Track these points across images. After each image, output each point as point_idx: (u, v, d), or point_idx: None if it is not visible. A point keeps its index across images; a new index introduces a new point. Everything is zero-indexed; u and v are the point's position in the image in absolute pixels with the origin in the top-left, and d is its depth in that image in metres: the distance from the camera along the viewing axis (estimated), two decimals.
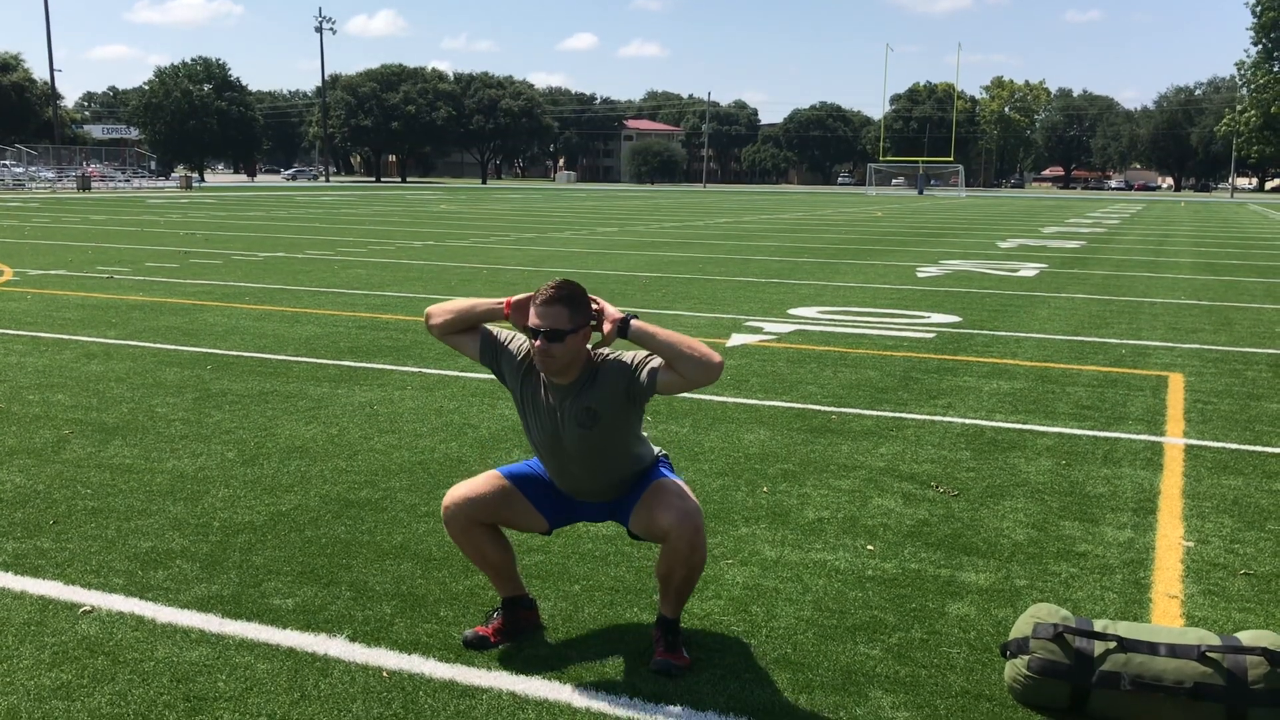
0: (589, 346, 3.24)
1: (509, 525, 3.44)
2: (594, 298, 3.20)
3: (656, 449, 3.50)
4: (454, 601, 3.70)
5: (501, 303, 3.27)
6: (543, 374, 3.24)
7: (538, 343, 3.12)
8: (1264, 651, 2.95)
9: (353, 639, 3.41)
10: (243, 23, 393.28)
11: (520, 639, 3.42)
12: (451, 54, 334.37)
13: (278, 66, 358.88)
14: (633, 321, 3.13)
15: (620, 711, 3.01)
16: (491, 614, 3.48)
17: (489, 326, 3.39)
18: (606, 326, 3.17)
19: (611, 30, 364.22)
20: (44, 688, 3.09)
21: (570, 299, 3.12)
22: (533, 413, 3.31)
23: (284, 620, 3.53)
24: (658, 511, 3.20)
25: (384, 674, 3.18)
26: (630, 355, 3.21)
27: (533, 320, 3.12)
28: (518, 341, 3.36)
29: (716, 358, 3.07)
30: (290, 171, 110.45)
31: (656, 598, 3.53)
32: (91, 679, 3.13)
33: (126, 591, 3.75)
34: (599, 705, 3.04)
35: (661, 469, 3.41)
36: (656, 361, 3.15)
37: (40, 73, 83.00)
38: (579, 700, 3.06)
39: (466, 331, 3.38)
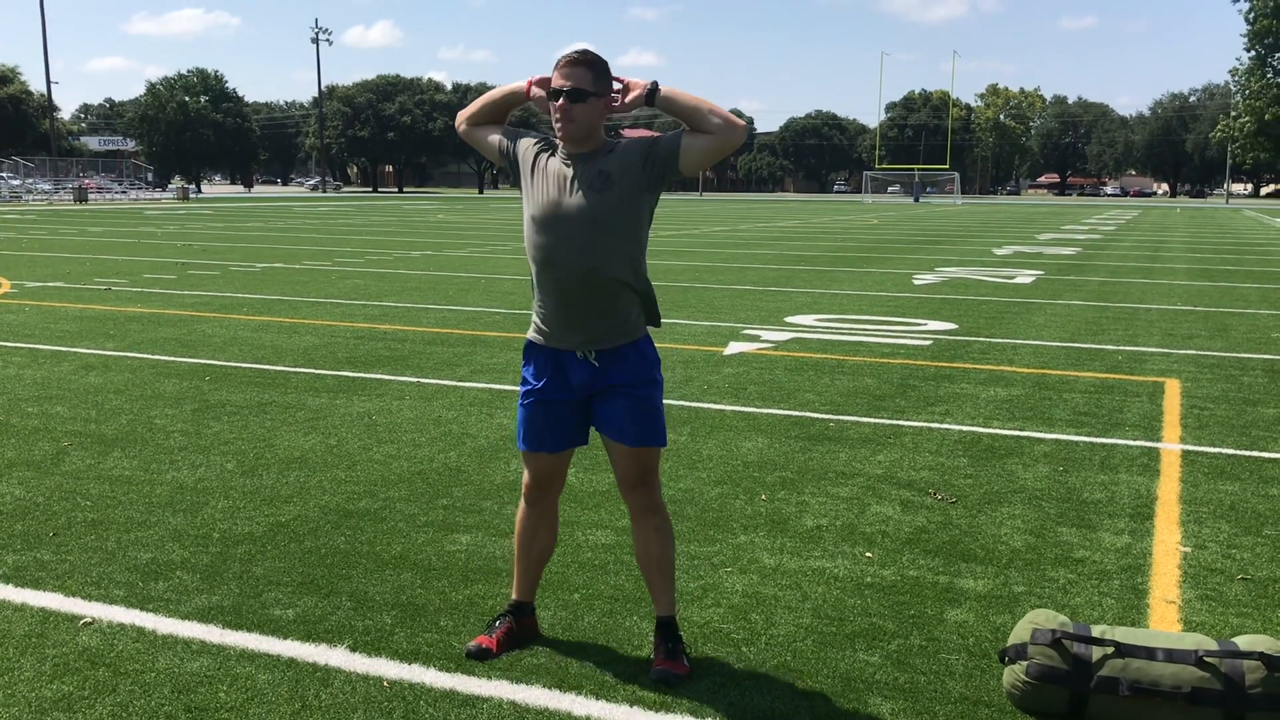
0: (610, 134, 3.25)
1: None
2: (618, 76, 3.21)
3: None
4: (454, 611, 3.71)
5: (523, 83, 3.31)
6: (561, 140, 3.21)
7: (559, 103, 3.11)
8: (1261, 656, 2.97)
9: (353, 649, 3.41)
10: (240, 34, 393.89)
11: (521, 648, 3.43)
12: (449, 64, 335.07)
13: (275, 77, 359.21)
14: (660, 87, 3.16)
15: None
16: (494, 622, 3.48)
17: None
18: (633, 94, 3.17)
19: (609, 40, 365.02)
20: (45, 699, 3.09)
21: (594, 63, 3.14)
22: (541, 182, 3.23)
23: (284, 631, 3.54)
24: (627, 472, 3.29)
25: (385, 684, 3.19)
26: (653, 134, 3.24)
27: (555, 81, 3.13)
28: (538, 132, 3.42)
29: (740, 120, 3.13)
30: (313, 181, 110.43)
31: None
32: (93, 690, 3.14)
33: (127, 603, 3.76)
34: (599, 714, 3.04)
35: (657, 388, 3.32)
36: (680, 130, 3.18)
37: (37, 85, 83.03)
38: (579, 709, 3.07)
39: (491, 125, 3.43)
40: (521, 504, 3.50)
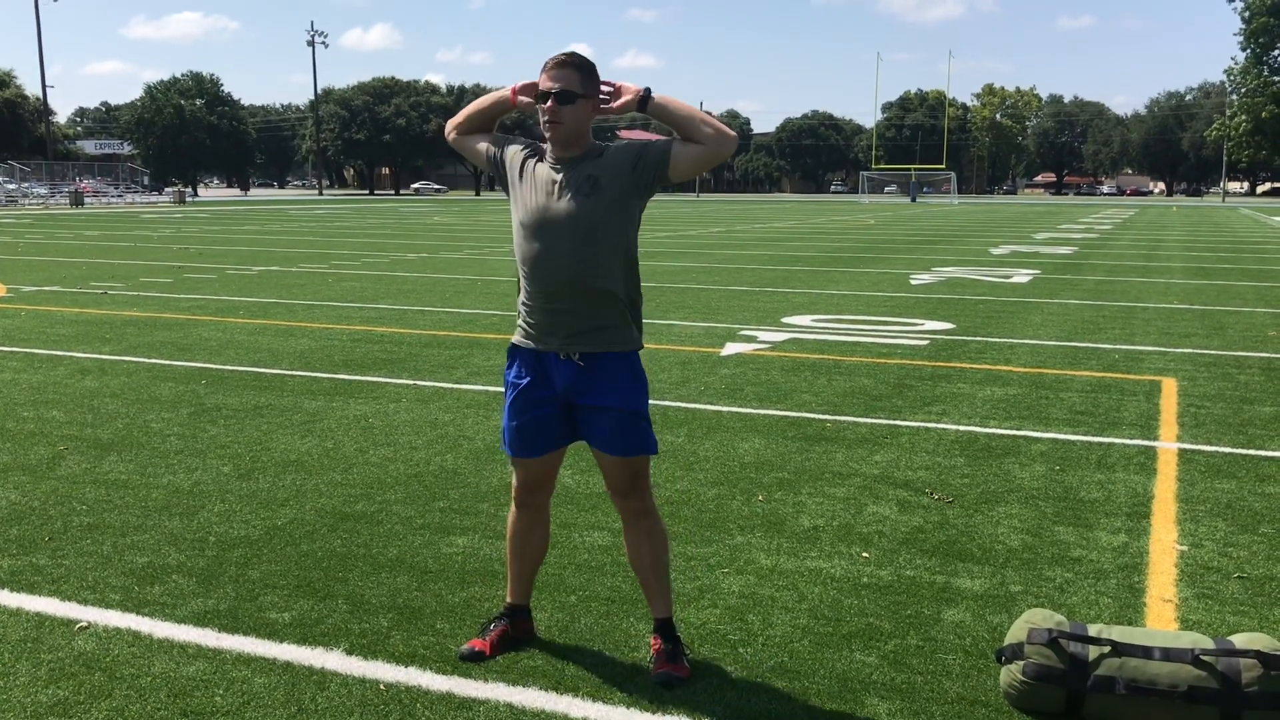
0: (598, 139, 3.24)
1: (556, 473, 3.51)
2: (611, 80, 3.22)
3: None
4: (450, 614, 3.71)
5: (509, 89, 3.31)
6: (549, 144, 3.21)
7: (548, 105, 3.11)
8: (1257, 654, 2.97)
9: (350, 652, 3.41)
10: (238, 37, 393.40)
11: (517, 650, 3.43)
12: (446, 66, 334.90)
13: (274, 81, 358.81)
14: (653, 94, 3.16)
15: None
16: (488, 625, 3.48)
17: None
18: (624, 98, 3.17)
19: (606, 41, 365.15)
20: (41, 704, 3.09)
21: (581, 65, 3.15)
22: (529, 187, 3.24)
23: (281, 634, 3.53)
24: (617, 480, 3.30)
25: (381, 687, 3.19)
26: (644, 137, 3.26)
27: (543, 84, 3.13)
28: (527, 138, 3.42)
29: (732, 131, 3.13)
30: (417, 185, 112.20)
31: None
32: (89, 695, 3.14)
33: (123, 607, 3.75)
34: (596, 715, 3.04)
35: (641, 404, 3.29)
36: (670, 137, 3.19)
37: (33, 89, 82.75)
38: (576, 710, 3.06)
39: (480, 133, 3.44)
40: (512, 507, 3.51)
